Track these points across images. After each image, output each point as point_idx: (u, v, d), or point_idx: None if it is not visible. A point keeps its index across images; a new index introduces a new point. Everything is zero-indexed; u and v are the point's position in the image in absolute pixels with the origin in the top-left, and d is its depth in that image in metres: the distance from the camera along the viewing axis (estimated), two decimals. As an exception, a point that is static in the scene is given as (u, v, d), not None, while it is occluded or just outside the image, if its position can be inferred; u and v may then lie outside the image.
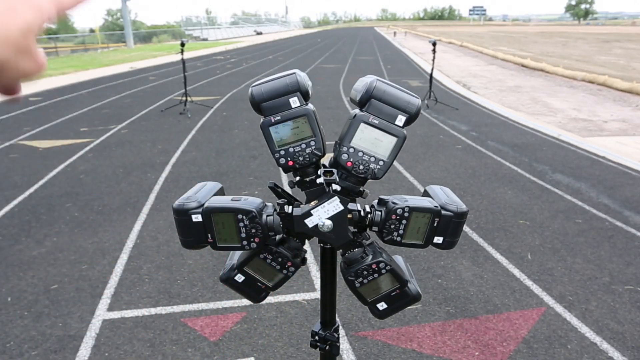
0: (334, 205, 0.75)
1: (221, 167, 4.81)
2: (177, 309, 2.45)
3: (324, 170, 0.77)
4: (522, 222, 3.50)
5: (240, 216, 0.75)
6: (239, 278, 0.83)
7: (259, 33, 54.61)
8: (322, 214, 0.76)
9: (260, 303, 2.42)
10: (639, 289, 2.65)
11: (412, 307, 2.46)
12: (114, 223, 3.46)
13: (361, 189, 0.78)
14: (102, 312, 2.41)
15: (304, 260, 0.84)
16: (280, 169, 0.76)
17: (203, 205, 0.76)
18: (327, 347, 0.94)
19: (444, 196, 0.82)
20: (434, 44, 7.53)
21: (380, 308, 0.85)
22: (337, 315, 1.21)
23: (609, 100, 9.43)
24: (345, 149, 0.74)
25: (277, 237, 0.81)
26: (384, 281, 0.82)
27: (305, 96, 0.74)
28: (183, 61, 7.47)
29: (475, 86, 11.33)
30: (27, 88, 10.49)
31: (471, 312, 2.43)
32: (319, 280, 1.38)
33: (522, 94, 10.26)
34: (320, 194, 0.77)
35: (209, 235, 0.77)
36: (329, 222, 0.75)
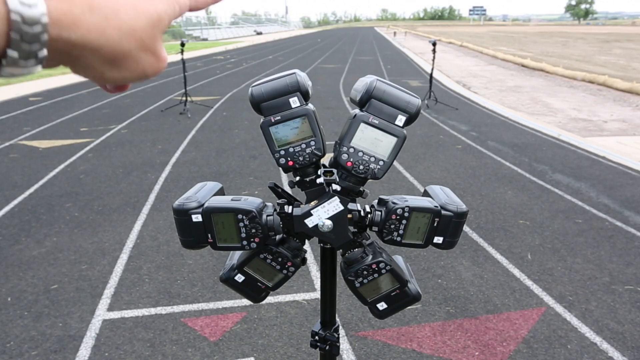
0: (334, 205, 0.75)
1: (221, 167, 4.81)
2: (177, 309, 2.45)
3: (324, 170, 0.77)
4: (522, 222, 3.50)
5: (240, 216, 0.75)
6: (239, 278, 0.83)
7: (259, 33, 54.63)
8: (322, 214, 0.76)
9: (260, 303, 2.42)
10: (639, 289, 2.65)
11: (412, 307, 2.46)
12: (114, 223, 3.46)
13: (361, 189, 0.78)
14: (102, 312, 2.41)
15: (304, 260, 0.84)
16: (280, 169, 0.76)
17: (203, 205, 0.76)
18: (327, 347, 0.94)
19: (444, 196, 0.82)
20: (434, 44, 7.54)
21: (380, 308, 0.85)
22: (337, 315, 1.21)
23: (609, 100, 9.43)
24: (345, 149, 0.74)
25: (277, 237, 0.81)
26: (384, 281, 0.82)
27: (305, 96, 0.74)
28: (183, 61, 7.47)
29: (475, 86, 11.33)
30: (27, 88, 10.50)
31: (471, 312, 2.43)
32: (319, 280, 1.38)
33: (522, 94, 10.26)
34: (320, 194, 0.77)
35: (209, 235, 0.77)
36: (329, 222, 0.75)
